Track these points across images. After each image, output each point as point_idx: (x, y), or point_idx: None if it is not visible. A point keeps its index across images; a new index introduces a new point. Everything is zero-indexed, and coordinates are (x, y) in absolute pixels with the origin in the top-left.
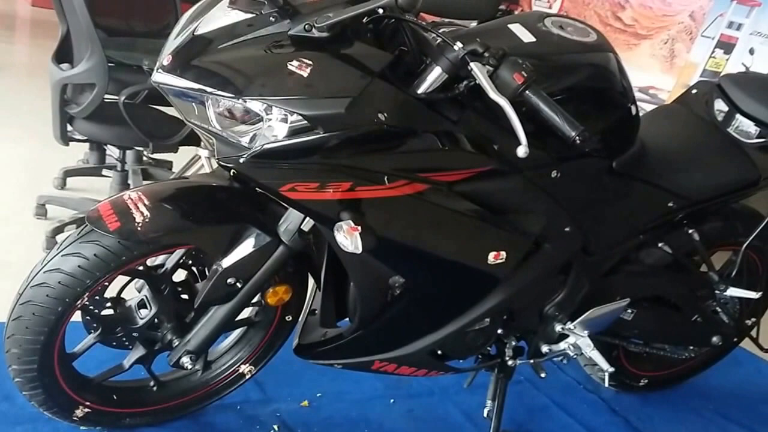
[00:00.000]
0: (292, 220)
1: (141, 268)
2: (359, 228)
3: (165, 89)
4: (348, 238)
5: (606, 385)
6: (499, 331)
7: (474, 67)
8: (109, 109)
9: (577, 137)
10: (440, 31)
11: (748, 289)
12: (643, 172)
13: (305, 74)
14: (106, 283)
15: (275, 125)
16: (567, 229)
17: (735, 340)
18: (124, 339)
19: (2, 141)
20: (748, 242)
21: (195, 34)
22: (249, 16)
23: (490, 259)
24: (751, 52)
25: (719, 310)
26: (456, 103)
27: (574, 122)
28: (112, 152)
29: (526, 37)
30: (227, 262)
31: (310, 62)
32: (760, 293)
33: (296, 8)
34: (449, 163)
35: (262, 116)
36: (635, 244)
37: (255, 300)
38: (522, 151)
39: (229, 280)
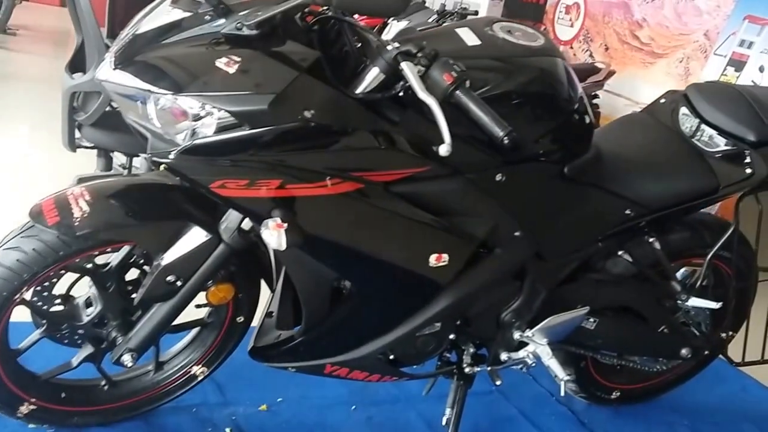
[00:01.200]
0: (231, 219)
1: (89, 265)
2: (285, 225)
3: (106, 86)
4: (273, 234)
5: (562, 393)
6: (452, 336)
7: (404, 66)
8: (114, 116)
9: (505, 137)
10: None
11: (717, 301)
12: (598, 178)
13: (232, 71)
14: (54, 279)
15: (204, 122)
16: (517, 233)
17: (707, 353)
18: (71, 336)
19: (43, 149)
20: (712, 252)
21: (136, 33)
22: (187, 14)
23: (431, 261)
24: (761, 69)
25: (689, 321)
26: (399, 104)
27: (502, 122)
28: (119, 159)
29: (471, 40)
30: (167, 259)
31: (238, 59)
32: (721, 303)
33: (230, 7)
34: (384, 163)
35: (191, 113)
36: (593, 251)
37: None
38: (444, 149)
39: (169, 278)
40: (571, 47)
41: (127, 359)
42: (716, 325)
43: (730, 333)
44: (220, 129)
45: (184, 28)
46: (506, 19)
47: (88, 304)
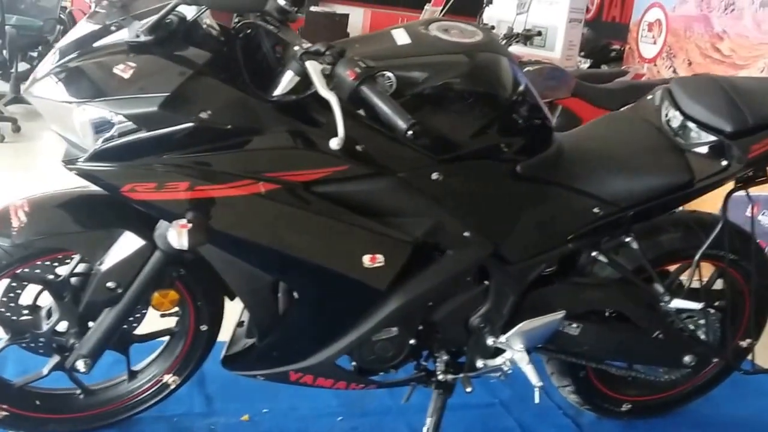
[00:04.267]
0: (163, 225)
1: (50, 276)
2: (189, 225)
3: (32, 101)
4: (177, 235)
5: (536, 400)
6: (412, 341)
7: (308, 65)
8: None
9: (408, 130)
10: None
11: (716, 302)
12: (560, 177)
13: (127, 76)
14: (19, 291)
15: (117, 127)
16: (466, 234)
17: (725, 363)
18: (35, 344)
19: None
20: (701, 251)
21: (56, 48)
22: (97, 27)
23: (365, 262)
24: None
25: (690, 327)
26: (323, 105)
27: (406, 115)
28: None
29: (403, 39)
30: (105, 265)
31: (133, 64)
32: (703, 304)
33: (132, 17)
34: (298, 164)
35: (98, 120)
36: (562, 252)
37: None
38: (335, 143)
39: (108, 284)
40: (655, 64)
41: (80, 365)
42: (725, 332)
43: (749, 341)
44: (123, 133)
45: (95, 40)
46: (448, 19)
47: (50, 313)
